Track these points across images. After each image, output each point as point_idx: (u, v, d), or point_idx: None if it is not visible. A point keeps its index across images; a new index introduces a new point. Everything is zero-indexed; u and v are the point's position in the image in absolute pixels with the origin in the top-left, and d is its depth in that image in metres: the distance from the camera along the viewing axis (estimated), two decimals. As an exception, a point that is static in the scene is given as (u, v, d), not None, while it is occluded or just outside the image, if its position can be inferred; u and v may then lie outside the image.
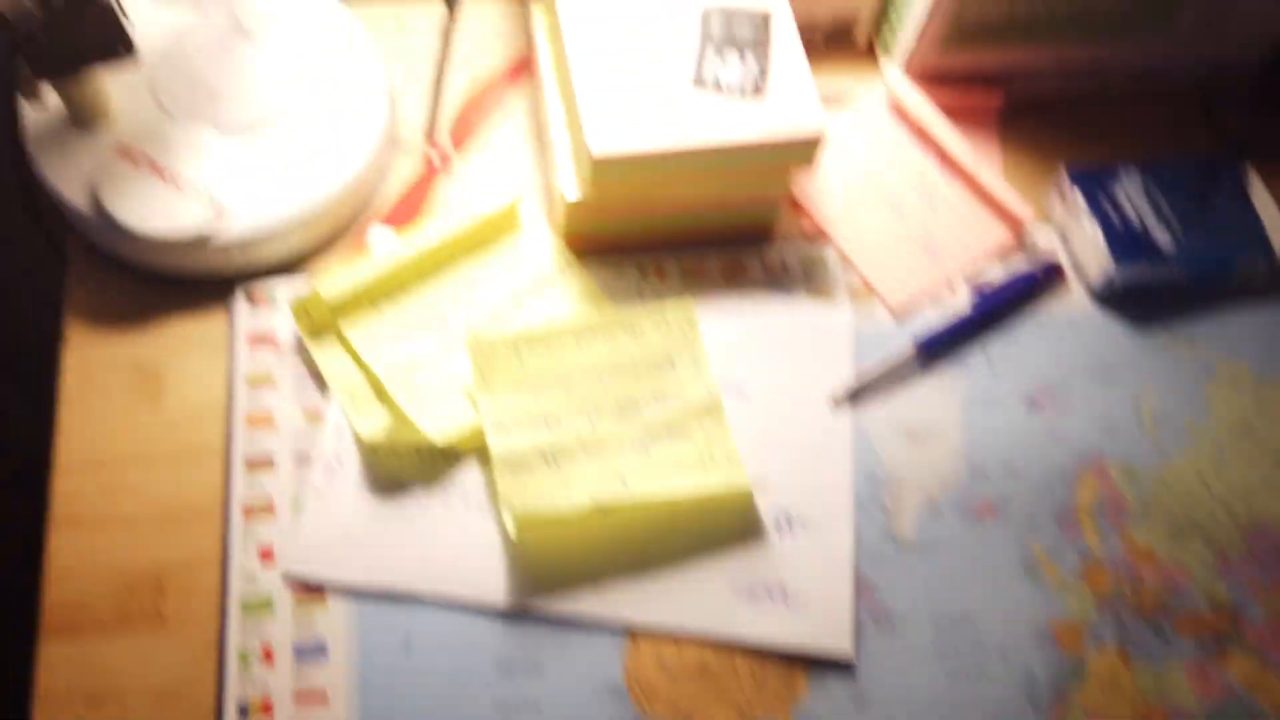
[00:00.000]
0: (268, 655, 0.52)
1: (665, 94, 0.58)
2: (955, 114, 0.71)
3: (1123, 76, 0.74)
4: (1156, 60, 0.73)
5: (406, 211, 0.64)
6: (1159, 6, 0.68)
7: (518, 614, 0.54)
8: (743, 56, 0.60)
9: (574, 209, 0.61)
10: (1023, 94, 0.73)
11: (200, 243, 0.56)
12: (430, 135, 0.67)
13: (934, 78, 0.71)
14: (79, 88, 0.55)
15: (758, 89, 0.59)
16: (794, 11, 0.63)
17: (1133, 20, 0.69)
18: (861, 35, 0.74)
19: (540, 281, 0.62)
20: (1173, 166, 0.68)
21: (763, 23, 0.61)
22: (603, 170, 0.57)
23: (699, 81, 0.59)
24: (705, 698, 0.53)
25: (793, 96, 0.59)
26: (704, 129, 0.58)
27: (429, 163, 0.66)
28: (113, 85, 0.58)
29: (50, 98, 0.56)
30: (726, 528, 0.57)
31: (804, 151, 0.60)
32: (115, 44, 0.52)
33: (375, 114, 0.62)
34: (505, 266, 0.62)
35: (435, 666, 0.52)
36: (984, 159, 0.69)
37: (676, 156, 0.58)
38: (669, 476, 0.57)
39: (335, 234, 0.62)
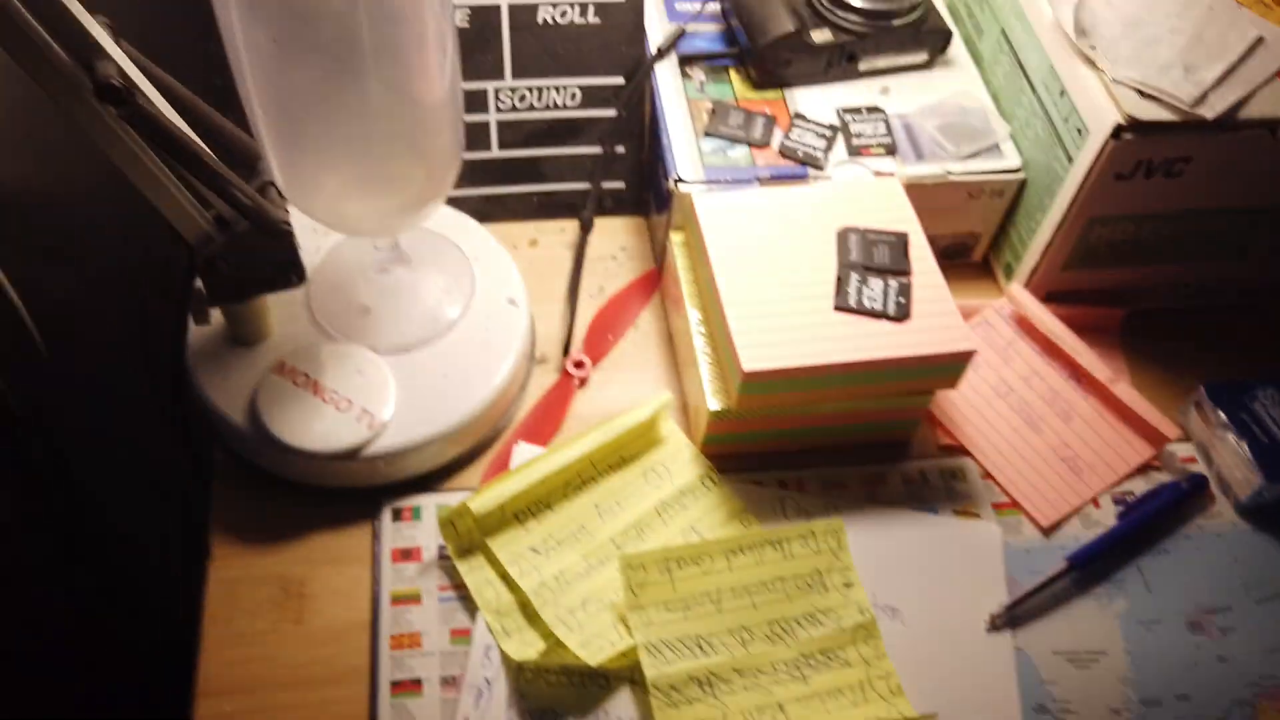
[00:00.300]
0: None
1: (811, 312, 0.60)
2: (1077, 328, 0.71)
3: (1243, 289, 0.74)
4: (1273, 275, 0.74)
5: (546, 424, 0.64)
6: (1270, 229, 0.69)
7: None
8: (884, 279, 0.61)
9: (716, 420, 0.61)
10: (1144, 307, 0.73)
11: (350, 456, 0.56)
12: (566, 349, 0.68)
13: (1055, 295, 0.72)
14: (246, 310, 0.57)
15: (903, 311, 0.60)
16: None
17: (1249, 239, 0.70)
18: (979, 252, 0.75)
19: (683, 493, 0.62)
20: (1309, 379, 0.68)
21: (900, 244, 0.63)
22: (751, 386, 0.58)
23: (842, 306, 0.60)
24: None
25: (937, 317, 0.60)
26: (850, 348, 0.58)
27: (566, 375, 0.67)
28: (274, 305, 0.60)
29: (215, 316, 0.58)
30: (888, 764, 0.53)
31: (950, 371, 0.60)
32: (289, 272, 0.54)
33: (515, 331, 0.64)
34: (647, 478, 0.62)
35: None
36: (1115, 373, 0.69)
37: (823, 373, 0.58)
38: (829, 708, 0.54)
39: (478, 447, 0.62)
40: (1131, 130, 0.60)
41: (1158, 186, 0.64)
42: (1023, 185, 0.70)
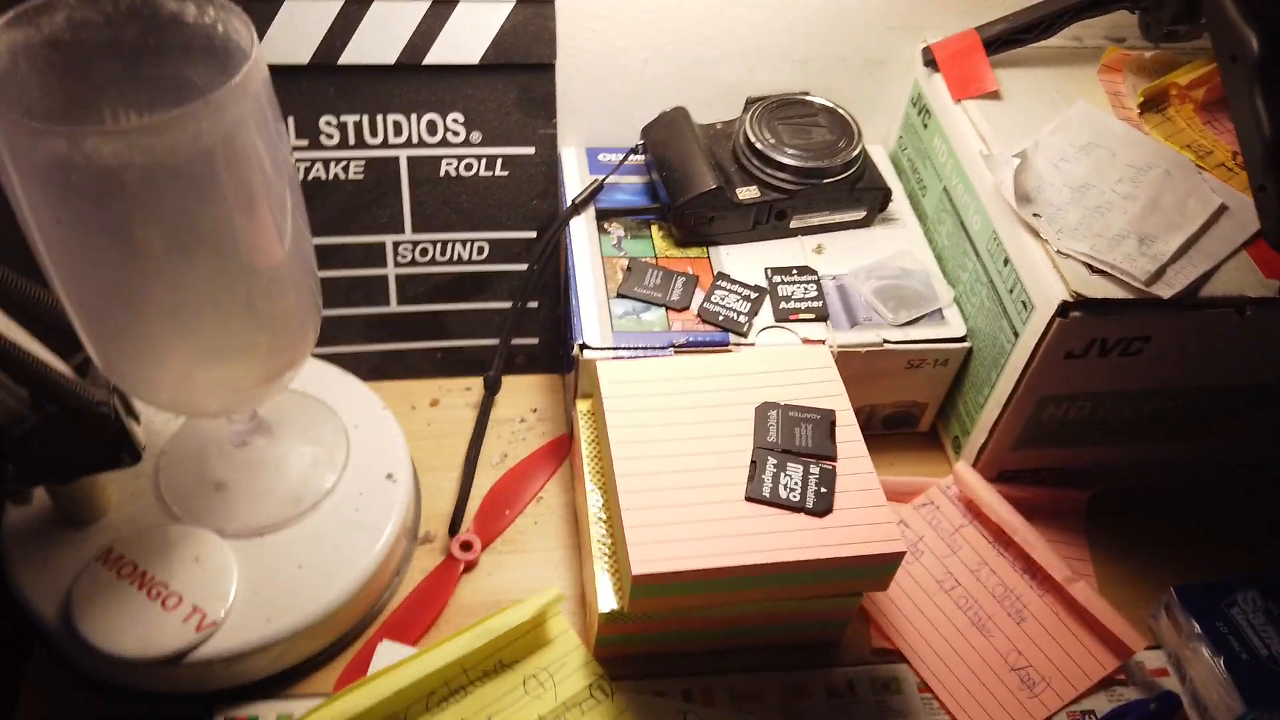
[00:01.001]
0: None
1: (719, 502, 0.53)
2: (1037, 512, 0.64)
3: (1221, 470, 0.67)
4: (1251, 455, 0.67)
5: (420, 617, 0.56)
6: (1245, 408, 0.62)
7: None
8: (805, 465, 0.54)
9: (609, 621, 0.53)
10: (1111, 487, 0.66)
11: (172, 661, 0.49)
12: (454, 527, 0.61)
13: (1009, 474, 0.65)
14: (72, 490, 0.50)
15: (824, 505, 0.53)
16: (853, 399, 0.58)
17: (1223, 419, 0.63)
18: (925, 422, 0.69)
19: (568, 707, 0.53)
20: (1293, 582, 0.60)
21: (825, 424, 0.56)
22: (644, 589, 0.50)
23: (754, 496, 0.53)
24: None
25: (863, 510, 0.53)
26: (760, 548, 0.51)
27: (450, 559, 0.59)
28: (112, 481, 0.53)
29: (40, 493, 0.52)
30: None
31: (877, 573, 0.53)
32: (118, 453, 0.48)
33: (391, 509, 0.57)
34: (527, 687, 0.54)
35: None
36: (1077, 569, 0.62)
37: (727, 575, 0.51)
38: None
39: (337, 645, 0.54)
40: (1080, 308, 0.54)
41: (1115, 365, 0.58)
42: (969, 354, 0.64)
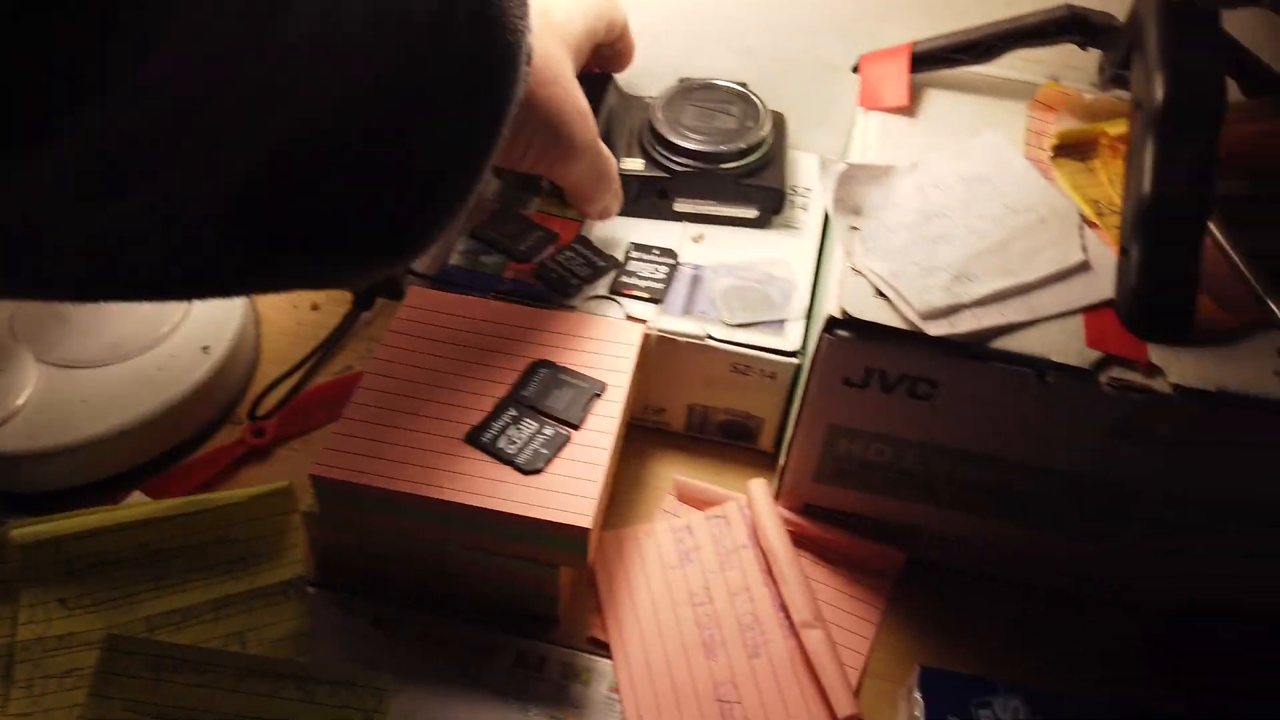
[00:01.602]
0: None
1: (439, 437, 0.53)
2: (846, 561, 0.59)
3: (1073, 575, 0.59)
4: (1087, 561, 0.58)
5: (186, 481, 0.60)
6: (1054, 497, 0.54)
7: None
8: (541, 424, 0.54)
9: (309, 522, 0.55)
10: (940, 562, 0.60)
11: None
12: (253, 412, 0.64)
13: (821, 511, 0.60)
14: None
15: (533, 465, 0.52)
16: (679, 396, 0.56)
17: (1040, 503, 0.55)
18: (765, 440, 0.65)
19: (254, 594, 0.55)
20: (1075, 710, 0.52)
21: (588, 394, 0.55)
22: (325, 492, 0.52)
23: (473, 440, 0.53)
24: None
25: (571, 482, 0.51)
26: (445, 484, 0.51)
27: (241, 440, 0.63)
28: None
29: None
30: None
31: (565, 545, 0.51)
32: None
33: (192, 374, 0.61)
34: (231, 567, 0.56)
35: None
36: (843, 623, 0.56)
37: (401, 501, 0.51)
38: None
39: (101, 485, 0.59)
40: (847, 328, 0.50)
41: (906, 408, 0.52)
42: (798, 372, 0.60)
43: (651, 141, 0.65)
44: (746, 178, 0.64)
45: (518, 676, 0.54)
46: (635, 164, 0.65)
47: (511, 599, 0.56)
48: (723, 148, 0.64)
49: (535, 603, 0.56)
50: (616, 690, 0.54)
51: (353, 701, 0.51)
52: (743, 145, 0.64)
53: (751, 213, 0.66)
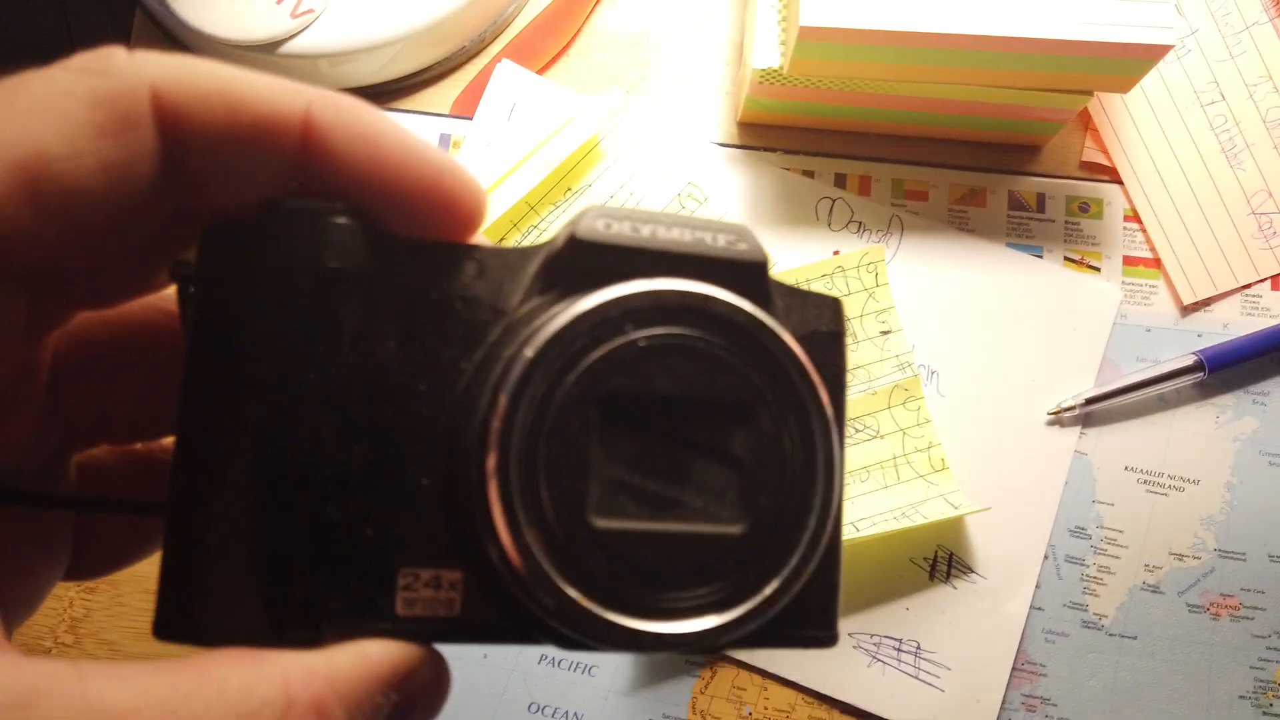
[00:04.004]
0: None
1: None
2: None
3: None
4: None
5: (546, 41, 0.48)
6: None
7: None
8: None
9: (764, 80, 0.44)
10: None
11: (267, 49, 0.44)
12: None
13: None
14: None
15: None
16: None
17: None
18: None
19: (694, 187, 0.47)
20: None
21: None
22: (811, 46, 0.40)
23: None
24: (783, 757, 0.42)
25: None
26: (977, 16, 0.39)
27: None
28: None
29: None
30: (870, 556, 0.44)
31: (1125, 68, 0.40)
32: None
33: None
34: (644, 165, 0.47)
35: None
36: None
37: (923, 44, 0.40)
38: (850, 495, 0.43)
39: (450, 60, 0.48)
40: None
41: None
42: None
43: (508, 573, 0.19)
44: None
45: (1014, 221, 0.47)
46: (435, 598, 0.19)
47: (995, 132, 0.47)
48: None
49: (1026, 134, 0.47)
50: (1135, 218, 0.47)
51: (852, 280, 0.45)
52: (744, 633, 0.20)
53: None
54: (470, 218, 0.19)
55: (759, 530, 0.19)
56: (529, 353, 0.18)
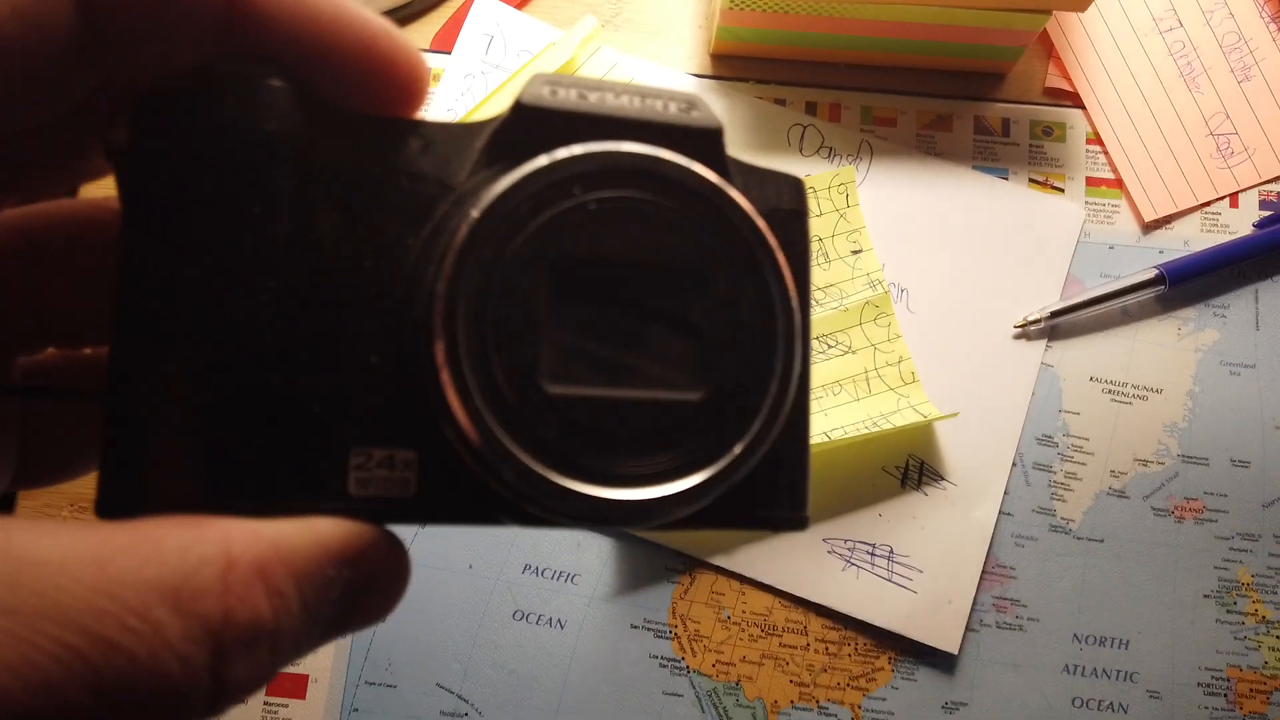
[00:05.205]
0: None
1: None
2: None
3: None
4: None
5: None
6: None
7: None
8: None
9: (734, 8, 0.45)
10: None
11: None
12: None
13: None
14: None
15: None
16: None
17: None
18: None
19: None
20: None
21: None
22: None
23: None
24: (760, 658, 0.44)
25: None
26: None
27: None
28: None
29: None
30: (844, 464, 0.45)
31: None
32: None
33: None
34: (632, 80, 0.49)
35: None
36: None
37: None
38: (823, 407, 0.45)
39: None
40: None
41: None
42: None
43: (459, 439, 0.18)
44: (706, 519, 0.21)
45: (981, 145, 0.49)
46: (390, 478, 0.18)
47: (958, 59, 0.48)
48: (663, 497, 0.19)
49: (990, 60, 0.48)
50: (1097, 141, 0.49)
51: (823, 203, 0.47)
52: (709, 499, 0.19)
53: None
54: (411, 88, 0.18)
55: (718, 397, 0.19)
56: (474, 213, 0.17)
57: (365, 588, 0.17)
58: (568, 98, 0.18)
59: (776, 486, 0.20)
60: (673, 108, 0.19)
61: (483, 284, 0.17)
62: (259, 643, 0.14)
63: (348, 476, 0.17)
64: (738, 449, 0.19)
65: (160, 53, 0.17)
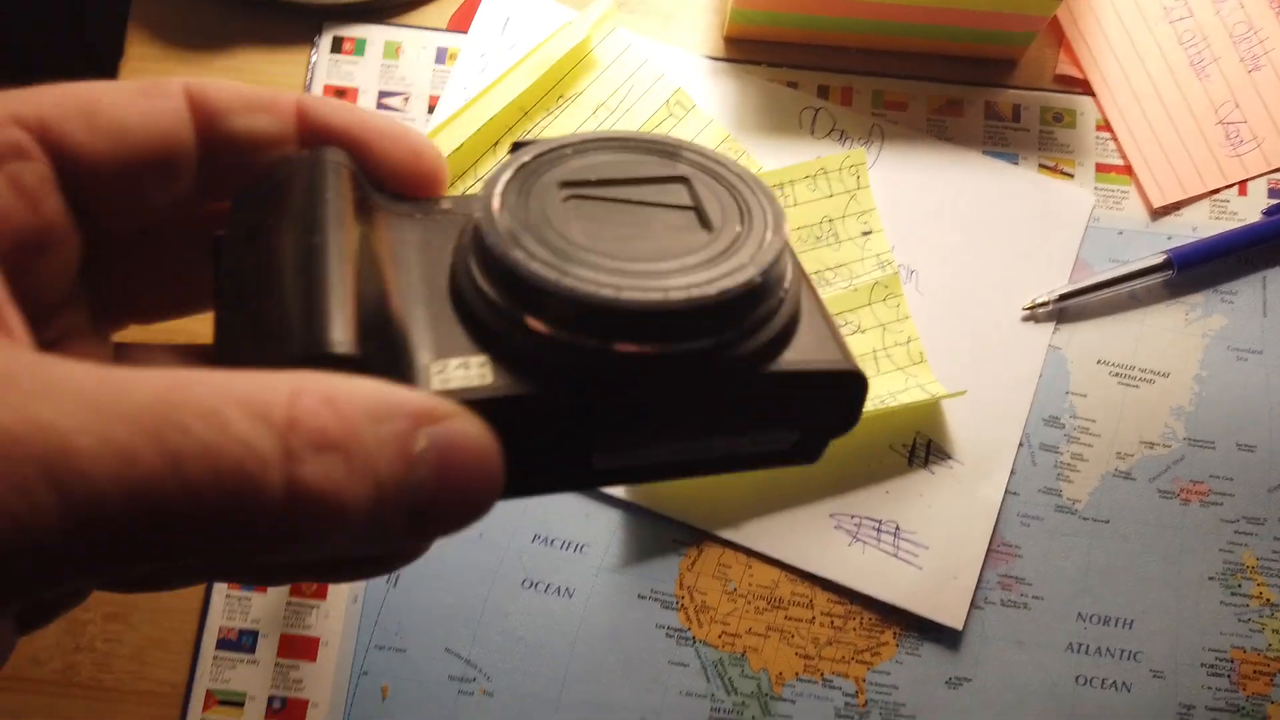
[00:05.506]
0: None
1: None
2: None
3: None
4: None
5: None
6: None
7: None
8: None
9: (749, -6, 0.46)
10: None
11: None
12: None
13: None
14: None
15: None
16: None
17: None
18: None
19: (682, 95, 0.49)
20: None
21: None
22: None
23: None
24: (765, 630, 0.44)
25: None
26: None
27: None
28: None
29: None
30: (851, 442, 0.45)
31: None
32: None
33: None
34: (601, 115, 0.49)
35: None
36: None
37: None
38: None
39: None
40: None
41: None
42: None
43: (508, 307, 0.20)
44: (762, 360, 0.21)
45: (992, 129, 0.49)
46: (467, 374, 0.19)
47: (969, 44, 0.49)
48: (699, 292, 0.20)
49: (1001, 46, 0.49)
50: (1107, 128, 0.49)
51: (835, 184, 0.47)
52: (747, 278, 0.20)
53: (783, 441, 0.23)
54: (435, 175, 0.23)
55: (725, 238, 0.20)
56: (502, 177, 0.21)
57: (447, 474, 0.17)
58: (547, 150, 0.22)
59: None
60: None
61: (517, 206, 0.20)
62: (327, 450, 0.15)
63: (430, 380, 0.18)
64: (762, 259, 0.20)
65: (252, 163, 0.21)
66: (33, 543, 0.14)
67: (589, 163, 0.22)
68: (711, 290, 0.19)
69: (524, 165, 0.21)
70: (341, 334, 0.17)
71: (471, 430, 0.17)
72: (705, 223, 0.21)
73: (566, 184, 0.21)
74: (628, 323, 0.19)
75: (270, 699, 0.42)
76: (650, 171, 0.22)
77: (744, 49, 0.50)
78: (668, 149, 0.22)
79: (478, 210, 0.20)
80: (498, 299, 0.19)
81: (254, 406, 0.15)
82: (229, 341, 0.19)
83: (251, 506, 0.15)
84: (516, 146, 0.22)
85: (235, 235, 0.21)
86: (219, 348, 0.19)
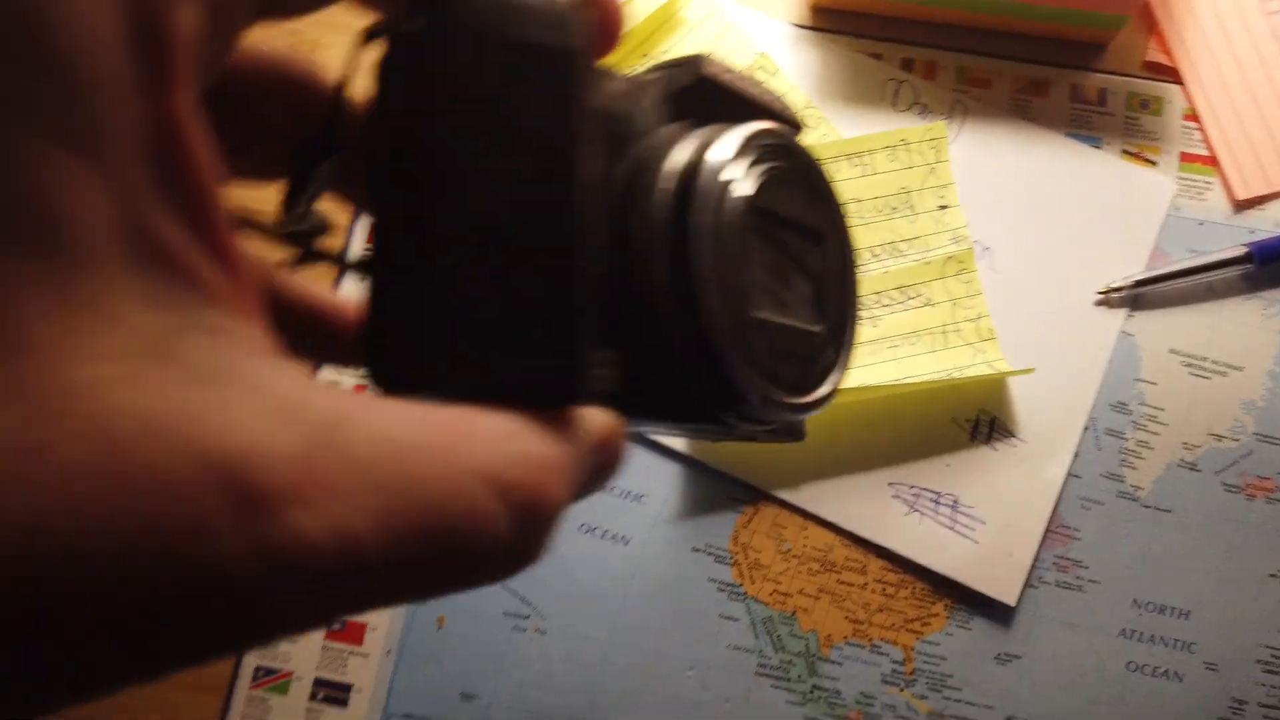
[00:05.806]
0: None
1: None
2: None
3: None
4: None
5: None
6: None
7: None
8: None
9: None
10: None
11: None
12: None
13: None
14: None
15: None
16: None
17: None
18: None
19: (767, 60, 0.50)
20: None
21: None
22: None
23: None
24: (817, 592, 0.44)
25: None
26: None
27: None
28: None
29: None
30: (914, 413, 0.46)
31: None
32: None
33: None
34: (720, 34, 0.50)
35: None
36: None
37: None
38: (898, 355, 0.46)
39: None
40: None
41: None
42: None
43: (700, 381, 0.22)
44: None
45: (1076, 113, 0.49)
46: (607, 376, 0.20)
47: (1060, 26, 0.49)
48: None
49: (1092, 29, 0.49)
50: (1194, 117, 0.49)
51: (915, 157, 0.47)
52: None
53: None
54: (613, 30, 0.20)
55: (830, 330, 0.24)
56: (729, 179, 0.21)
57: (606, 464, 0.19)
58: (735, 80, 0.23)
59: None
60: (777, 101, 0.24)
61: (712, 222, 0.21)
62: (556, 521, 0.17)
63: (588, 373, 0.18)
64: (842, 367, 0.24)
65: None
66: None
67: (771, 188, 0.22)
68: (815, 410, 0.23)
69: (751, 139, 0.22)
70: (599, 378, 0.18)
71: (619, 432, 0.19)
72: (820, 306, 0.24)
73: (757, 211, 0.22)
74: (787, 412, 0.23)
75: (330, 621, 0.44)
76: (805, 218, 0.24)
77: (830, 18, 0.50)
78: (823, 192, 0.24)
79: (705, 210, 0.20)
80: (699, 341, 0.20)
81: (504, 489, 0.15)
82: (407, 299, 0.16)
83: (486, 572, 0.16)
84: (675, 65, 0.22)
85: (410, 141, 0.16)
86: (381, 293, 0.17)
